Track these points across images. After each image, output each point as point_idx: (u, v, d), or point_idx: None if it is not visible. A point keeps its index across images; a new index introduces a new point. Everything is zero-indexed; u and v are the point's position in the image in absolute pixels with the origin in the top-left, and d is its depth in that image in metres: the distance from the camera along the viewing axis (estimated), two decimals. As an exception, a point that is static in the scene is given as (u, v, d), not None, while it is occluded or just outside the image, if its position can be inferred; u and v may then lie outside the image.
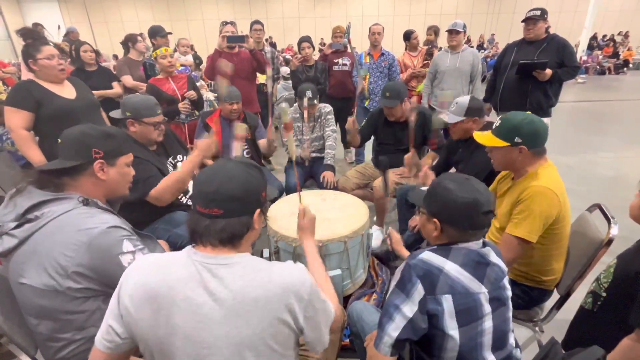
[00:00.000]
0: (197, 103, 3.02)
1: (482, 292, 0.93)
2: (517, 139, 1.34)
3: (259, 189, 0.85)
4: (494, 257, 0.99)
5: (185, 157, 2.06)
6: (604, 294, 1.12)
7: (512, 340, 1.02)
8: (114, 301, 0.79)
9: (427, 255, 0.96)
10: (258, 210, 0.84)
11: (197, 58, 5.92)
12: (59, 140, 1.09)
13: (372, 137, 2.79)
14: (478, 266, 0.95)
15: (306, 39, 3.65)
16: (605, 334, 1.07)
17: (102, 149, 1.10)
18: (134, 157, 1.68)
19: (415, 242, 2.14)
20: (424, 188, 1.12)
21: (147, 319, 0.75)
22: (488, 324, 0.94)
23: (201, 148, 1.74)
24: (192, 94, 2.92)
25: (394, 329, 0.92)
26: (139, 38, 3.70)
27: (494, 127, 1.43)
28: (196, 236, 0.80)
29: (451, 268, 0.93)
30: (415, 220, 2.13)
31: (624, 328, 1.02)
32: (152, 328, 0.75)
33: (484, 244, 1.00)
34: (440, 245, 1.01)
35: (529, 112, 1.39)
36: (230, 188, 0.79)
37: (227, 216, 0.78)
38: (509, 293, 1.01)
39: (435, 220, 1.01)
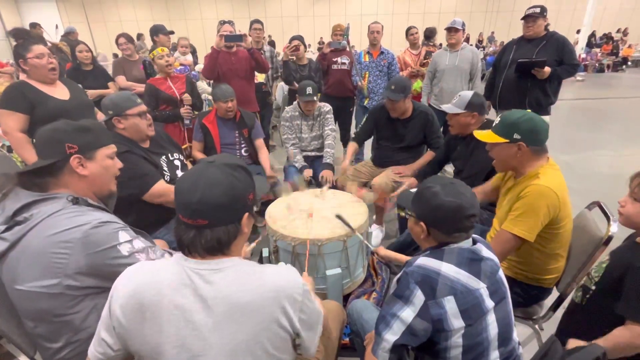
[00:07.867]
0: (197, 104, 2.99)
1: (482, 287, 0.94)
2: (516, 136, 1.35)
3: (245, 192, 0.80)
4: (485, 252, 1.01)
5: (179, 155, 2.04)
6: (593, 287, 1.15)
7: (515, 335, 1.03)
8: (106, 312, 0.78)
9: (423, 261, 0.97)
10: (246, 214, 0.80)
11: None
12: (34, 140, 1.07)
13: (372, 136, 2.78)
14: (472, 263, 0.96)
15: (296, 38, 3.66)
16: (593, 326, 1.10)
17: (76, 143, 1.05)
18: (127, 153, 1.67)
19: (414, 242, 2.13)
20: (413, 190, 1.14)
21: (139, 329, 0.74)
22: (491, 318, 0.95)
23: None
24: (186, 98, 2.84)
25: (392, 335, 0.92)
26: (121, 40, 3.59)
27: (493, 124, 1.44)
28: (183, 246, 0.77)
29: (448, 269, 0.94)
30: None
31: (611, 320, 1.05)
32: (144, 338, 0.74)
33: (474, 242, 1.03)
34: (432, 248, 1.02)
35: (529, 110, 1.40)
36: (213, 196, 0.74)
37: (213, 225, 0.75)
38: (507, 287, 1.02)
39: (421, 223, 1.03)
